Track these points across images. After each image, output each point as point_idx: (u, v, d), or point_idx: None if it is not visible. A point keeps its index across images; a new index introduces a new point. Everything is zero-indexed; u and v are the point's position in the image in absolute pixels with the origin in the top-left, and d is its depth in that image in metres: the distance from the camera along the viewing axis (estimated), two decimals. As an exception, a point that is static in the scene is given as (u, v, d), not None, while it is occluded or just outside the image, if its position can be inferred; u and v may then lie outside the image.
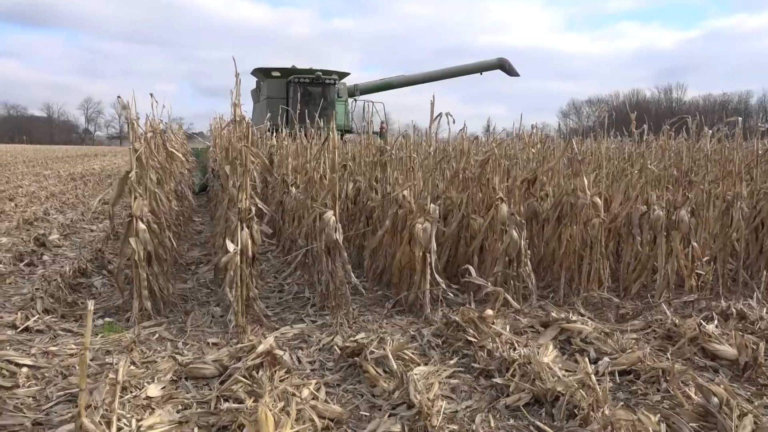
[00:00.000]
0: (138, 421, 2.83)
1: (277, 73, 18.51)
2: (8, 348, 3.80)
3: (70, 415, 2.89)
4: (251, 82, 20.58)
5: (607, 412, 2.73)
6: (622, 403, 3.06)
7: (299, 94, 16.77)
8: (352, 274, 4.75)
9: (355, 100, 19.63)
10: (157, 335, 4.26)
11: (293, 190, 6.67)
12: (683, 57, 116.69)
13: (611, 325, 4.47)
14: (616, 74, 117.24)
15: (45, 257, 6.84)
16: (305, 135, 7.00)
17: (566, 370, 3.49)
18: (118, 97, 4.61)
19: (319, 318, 4.76)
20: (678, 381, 3.26)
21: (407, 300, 4.96)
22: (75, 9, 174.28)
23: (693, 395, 3.08)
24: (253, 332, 4.25)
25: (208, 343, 4.15)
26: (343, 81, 19.16)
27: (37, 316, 4.46)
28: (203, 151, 15.40)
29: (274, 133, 8.96)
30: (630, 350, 3.71)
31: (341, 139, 9.42)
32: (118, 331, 4.30)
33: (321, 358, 3.90)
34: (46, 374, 3.52)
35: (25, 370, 3.53)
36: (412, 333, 4.37)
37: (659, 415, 2.89)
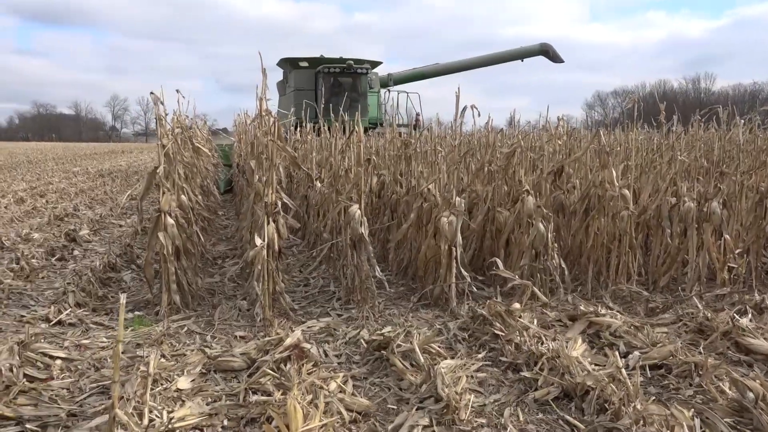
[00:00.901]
0: (169, 413, 2.87)
1: (305, 63, 17.04)
2: (42, 341, 3.88)
3: (103, 407, 2.94)
4: (277, 75, 19.51)
5: (639, 406, 2.69)
6: (653, 398, 3.01)
7: (329, 85, 15.97)
8: (377, 268, 4.75)
9: (388, 90, 17.95)
10: (185, 328, 4.31)
11: (318, 184, 6.69)
12: (712, 46, 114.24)
13: (640, 319, 4.40)
14: (643, 65, 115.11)
15: (76, 252, 6.98)
16: (330, 129, 6.96)
17: (595, 364, 3.45)
18: (151, 93, 4.66)
19: (345, 312, 4.77)
20: (711, 375, 3.20)
21: (432, 293, 4.94)
22: (102, 8, 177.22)
23: (727, 390, 3.02)
24: (279, 326, 4.27)
25: (236, 336, 4.19)
26: (374, 70, 17.71)
27: (70, 309, 4.55)
28: (228, 147, 14.65)
29: (300, 127, 8.72)
30: (661, 344, 3.65)
31: (370, 132, 8.81)
32: (148, 324, 4.37)
33: (347, 352, 3.91)
34: (79, 366, 3.59)
35: (59, 362, 3.60)
36: (438, 326, 4.35)
37: (693, 410, 2.84)
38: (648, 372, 3.44)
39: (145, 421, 2.72)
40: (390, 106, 17.35)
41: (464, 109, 4.67)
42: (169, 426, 2.65)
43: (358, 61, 16.49)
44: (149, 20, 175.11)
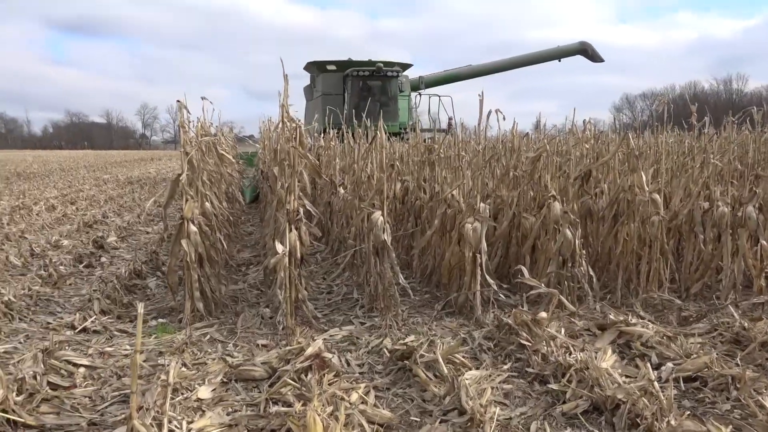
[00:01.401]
0: (188, 423, 2.84)
1: (333, 67, 16.42)
2: (67, 348, 3.90)
3: (123, 416, 2.92)
4: (303, 81, 19.15)
5: (672, 422, 2.58)
6: (688, 412, 2.88)
7: (357, 89, 15.40)
8: (401, 275, 4.68)
9: (419, 94, 17.13)
10: (208, 336, 4.29)
11: (341, 190, 6.65)
12: (743, 46, 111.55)
13: (673, 328, 4.25)
14: (672, 67, 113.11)
15: (103, 259, 7.05)
16: (353, 135, 6.89)
17: (626, 376, 3.33)
18: (177, 100, 4.68)
19: (368, 320, 4.71)
20: (750, 389, 3.05)
21: (457, 301, 4.85)
22: (134, 19, 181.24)
23: (767, 404, 2.88)
24: (302, 334, 4.23)
25: (258, 345, 4.16)
26: (405, 73, 16.95)
27: (95, 317, 4.57)
28: (254, 155, 14.10)
29: (327, 133, 8.48)
30: (695, 355, 3.51)
31: (401, 138, 8.47)
32: (171, 332, 4.37)
33: (370, 361, 3.85)
34: (101, 374, 3.59)
35: (82, 370, 3.61)
36: (463, 335, 4.26)
37: (730, 426, 2.71)
38: (682, 384, 3.31)
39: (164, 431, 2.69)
40: (418, 110, 16.73)
41: (489, 113, 4.59)
42: (188, 437, 2.62)
43: (387, 64, 15.86)
44: (179, 31, 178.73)
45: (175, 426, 2.78)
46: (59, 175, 22.51)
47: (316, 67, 17.00)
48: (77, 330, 4.37)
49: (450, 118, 13.49)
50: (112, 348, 4.03)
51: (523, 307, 4.59)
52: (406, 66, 17.03)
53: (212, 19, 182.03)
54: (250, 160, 14.15)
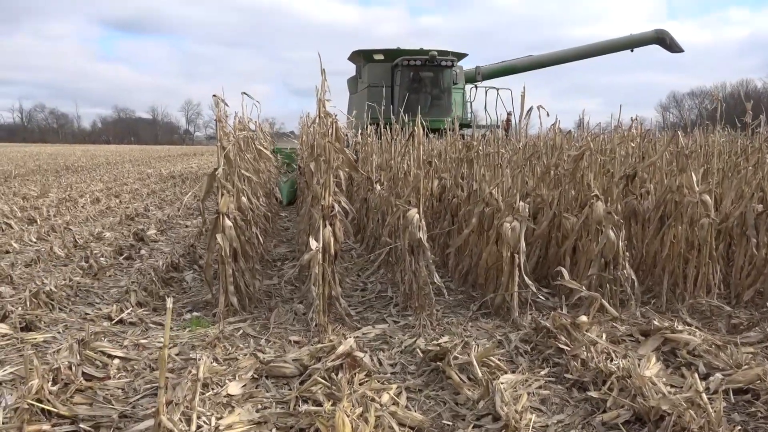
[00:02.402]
0: (217, 419, 2.81)
1: (380, 56, 14.97)
2: (103, 339, 3.94)
3: (153, 410, 2.91)
4: (344, 76, 17.82)
5: (723, 438, 2.42)
6: (739, 428, 2.71)
7: (407, 80, 14.01)
8: (436, 274, 4.58)
9: (475, 86, 15.01)
10: (241, 331, 4.28)
11: (377, 187, 6.59)
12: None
13: (722, 337, 4.04)
14: (723, 64, 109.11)
15: (142, 251, 7.16)
16: (401, 130, 6.55)
17: (671, 386, 3.16)
18: (214, 95, 4.69)
19: (402, 318, 4.63)
20: (807, 405, 2.86)
21: (493, 302, 4.73)
22: (179, 16, 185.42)
23: (826, 422, 2.69)
24: (334, 331, 4.18)
25: (290, 341, 4.12)
26: (459, 64, 15.28)
27: (131, 309, 4.62)
28: (293, 152, 12.75)
29: (374, 128, 7.85)
30: (747, 366, 3.31)
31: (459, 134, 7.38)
32: (205, 325, 4.37)
33: (403, 361, 3.77)
34: (135, 366, 3.61)
35: (116, 361, 3.63)
36: (499, 338, 4.15)
37: (785, 444, 2.53)
38: (731, 397, 3.12)
39: (193, 427, 2.67)
40: (470, 103, 15.14)
41: (530, 109, 4.44)
42: (214, 434, 2.59)
43: (441, 53, 14.27)
44: (222, 27, 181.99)
45: (204, 422, 2.76)
46: (105, 169, 23.14)
47: (361, 57, 15.65)
48: (114, 321, 4.42)
49: (509, 114, 12.37)
50: (146, 340, 4.06)
51: (562, 310, 4.44)
52: (460, 56, 15.46)
53: (256, 16, 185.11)
54: (290, 157, 12.97)
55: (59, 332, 4.24)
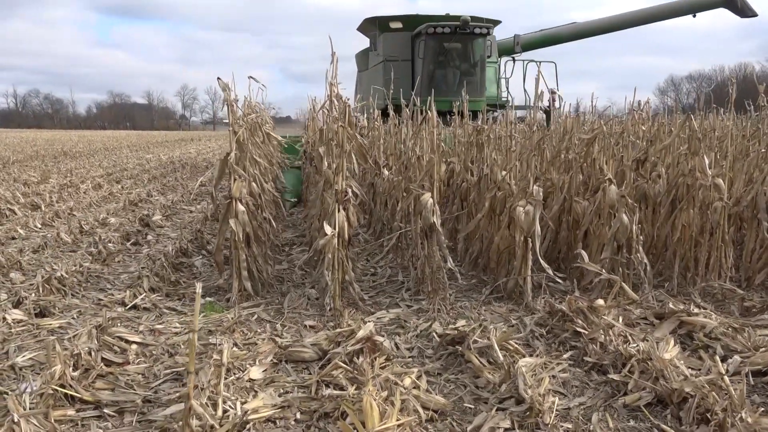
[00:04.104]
0: (242, 403, 2.82)
1: (398, 24, 12.52)
2: (118, 325, 3.94)
3: (177, 394, 2.92)
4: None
5: (749, 418, 2.43)
6: (762, 409, 2.73)
7: (434, 52, 11.77)
8: (450, 258, 4.57)
9: (513, 59, 13.06)
10: (255, 316, 4.28)
11: (385, 172, 6.56)
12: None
13: (735, 320, 4.06)
14: (721, 48, 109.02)
15: (149, 237, 7.14)
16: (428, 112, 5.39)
17: (690, 368, 3.18)
18: (218, 78, 4.64)
19: (415, 303, 4.64)
20: (827, 386, 2.88)
21: (506, 286, 4.74)
22: (176, 1, 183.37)
23: None
24: (349, 316, 4.18)
25: (305, 326, 4.13)
26: (492, 34, 12.49)
27: (144, 294, 4.61)
28: (294, 139, 9.81)
29: (397, 112, 6.68)
30: (765, 348, 3.33)
31: (489, 117, 6.52)
32: (219, 310, 4.37)
33: (419, 345, 3.78)
34: (153, 352, 3.61)
35: (134, 347, 3.63)
36: (513, 321, 4.16)
37: (809, 425, 2.55)
38: (750, 379, 3.14)
39: (219, 412, 2.67)
40: (506, 80, 12.82)
41: (540, 93, 4.41)
42: (244, 418, 2.60)
43: (474, 19, 11.81)
44: (219, 12, 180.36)
45: (230, 406, 2.76)
46: (103, 155, 23.01)
47: (375, 26, 12.95)
48: (128, 307, 4.42)
49: (553, 92, 10.84)
50: (162, 326, 4.06)
51: (574, 293, 4.46)
52: (494, 23, 12.77)
53: (254, 1, 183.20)
54: (292, 151, 9.58)
55: (74, 318, 4.23)
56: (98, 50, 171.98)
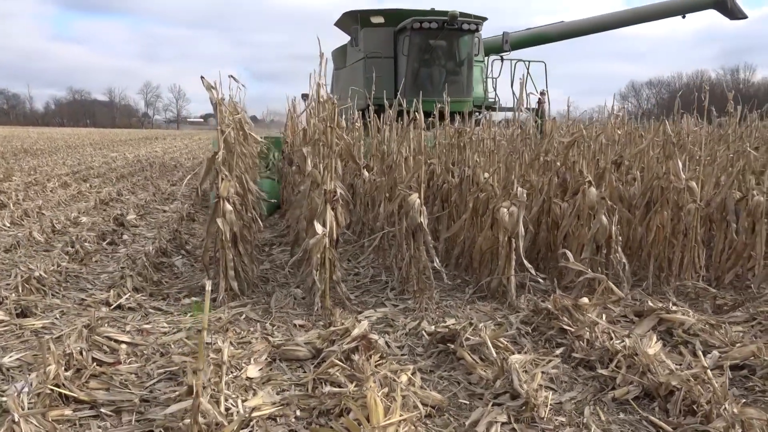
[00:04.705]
0: (243, 401, 2.83)
1: (380, 19, 11.83)
2: (106, 325, 3.89)
3: (175, 393, 2.91)
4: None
5: (735, 409, 2.57)
6: (744, 400, 2.87)
7: (419, 49, 11.23)
8: (436, 258, 4.65)
9: (501, 58, 12.44)
10: (244, 315, 4.28)
11: (365, 173, 6.60)
12: (751, 36, 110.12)
13: (709, 317, 4.24)
14: (679, 55, 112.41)
15: (125, 236, 7.03)
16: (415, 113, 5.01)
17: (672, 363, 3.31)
18: (202, 77, 4.62)
19: (401, 302, 4.70)
20: (801, 378, 3.04)
21: (489, 286, 4.84)
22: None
23: (821, 394, 2.87)
24: (339, 315, 4.22)
25: (295, 325, 4.15)
26: (480, 31, 12.01)
27: (129, 294, 4.55)
28: (276, 143, 8.93)
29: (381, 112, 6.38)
30: (740, 343, 3.50)
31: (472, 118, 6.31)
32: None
33: (410, 343, 3.84)
34: (144, 351, 3.59)
35: (124, 347, 3.60)
36: (499, 320, 4.26)
37: (788, 414, 2.70)
38: (729, 372, 3.29)
39: (221, 410, 2.68)
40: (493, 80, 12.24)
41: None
42: (249, 415, 2.61)
43: (463, 14, 11.20)
44: (183, 8, 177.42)
45: (231, 404, 2.77)
46: (66, 152, 22.43)
47: (354, 20, 12.17)
48: (112, 307, 4.36)
49: (542, 93, 10.03)
50: (149, 325, 4.02)
51: (555, 292, 4.58)
52: (480, 19, 11.91)
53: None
54: (271, 152, 8.94)
55: (56, 318, 4.16)
56: (56, 44, 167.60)
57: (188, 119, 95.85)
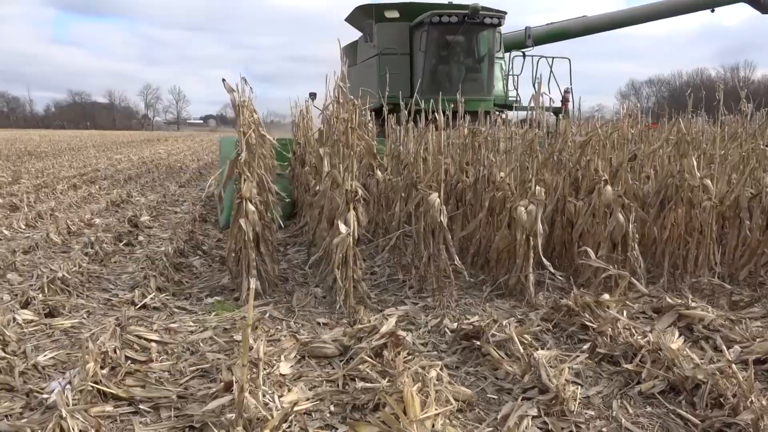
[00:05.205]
0: (279, 397, 2.89)
1: (394, 13, 11.22)
2: (135, 324, 3.95)
3: (211, 390, 2.97)
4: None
5: (763, 402, 2.62)
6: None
7: (438, 44, 10.62)
8: (456, 257, 4.71)
9: (523, 54, 11.67)
10: (268, 314, 4.35)
11: (379, 173, 6.65)
12: (752, 34, 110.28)
13: (725, 312, 4.30)
14: (679, 53, 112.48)
15: (140, 238, 7.09)
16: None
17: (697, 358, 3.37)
18: (223, 80, 4.68)
19: (420, 300, 4.76)
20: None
21: (507, 284, 4.90)
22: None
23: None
24: (363, 313, 4.28)
25: (319, 323, 4.21)
26: (502, 25, 11.29)
27: (153, 294, 4.62)
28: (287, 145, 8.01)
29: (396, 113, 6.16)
30: (761, 338, 3.56)
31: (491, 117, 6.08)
32: (229, 309, 4.42)
33: (433, 340, 3.90)
34: (174, 350, 3.65)
35: (154, 345, 3.66)
36: (519, 317, 4.32)
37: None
38: (752, 367, 3.35)
39: (260, 405, 2.74)
40: (515, 77, 11.52)
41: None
42: (289, 410, 2.67)
43: (485, 8, 10.59)
44: (181, 10, 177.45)
45: (269, 399, 2.83)
46: (70, 155, 22.50)
47: (369, 15, 11.53)
48: (138, 306, 4.42)
49: (566, 91, 9.41)
50: (176, 324, 4.08)
51: (573, 289, 4.64)
52: (502, 13, 11.18)
53: (217, 1, 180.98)
54: (280, 155, 7.48)
55: (84, 318, 4.22)
56: (56, 48, 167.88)
57: (188, 120, 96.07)
